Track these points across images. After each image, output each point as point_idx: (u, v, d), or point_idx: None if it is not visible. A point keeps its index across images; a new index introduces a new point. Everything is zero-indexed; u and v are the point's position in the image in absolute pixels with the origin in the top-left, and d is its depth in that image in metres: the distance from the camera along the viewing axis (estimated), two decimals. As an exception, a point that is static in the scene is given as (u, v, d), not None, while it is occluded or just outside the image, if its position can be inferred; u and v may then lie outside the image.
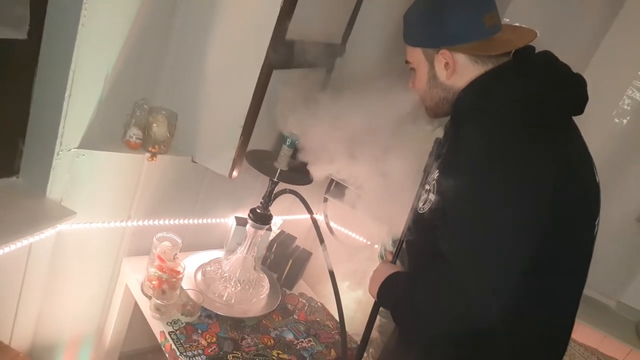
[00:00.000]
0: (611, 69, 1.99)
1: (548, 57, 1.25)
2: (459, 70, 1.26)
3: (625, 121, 2.07)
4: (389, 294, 1.32)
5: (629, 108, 2.04)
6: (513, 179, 1.09)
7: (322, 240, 1.88)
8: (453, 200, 1.16)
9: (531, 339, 1.24)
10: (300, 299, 2.15)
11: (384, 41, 2.14)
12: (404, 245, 1.38)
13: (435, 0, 1.27)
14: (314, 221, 1.87)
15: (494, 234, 1.10)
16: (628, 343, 2.13)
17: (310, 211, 1.86)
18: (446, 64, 1.27)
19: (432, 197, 1.23)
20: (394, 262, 1.42)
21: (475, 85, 1.25)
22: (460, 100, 1.27)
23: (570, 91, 1.22)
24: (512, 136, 1.13)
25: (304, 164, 1.68)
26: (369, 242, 2.52)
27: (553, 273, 1.20)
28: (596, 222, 1.27)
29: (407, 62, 1.37)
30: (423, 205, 1.27)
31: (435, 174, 1.24)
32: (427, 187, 1.27)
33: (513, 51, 1.26)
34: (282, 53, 1.66)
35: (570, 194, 1.15)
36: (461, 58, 1.25)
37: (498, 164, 1.10)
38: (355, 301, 2.53)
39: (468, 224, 1.13)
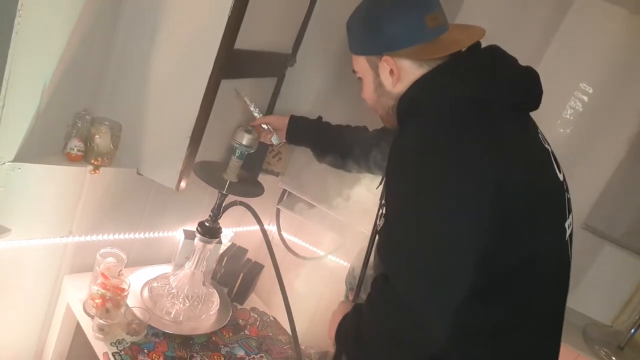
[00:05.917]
0: (555, 79, 2.03)
1: (494, 52, 1.18)
2: (404, 76, 1.20)
3: (568, 130, 2.12)
4: (342, 334, 1.21)
5: (571, 118, 2.10)
6: (447, 179, 1.00)
7: (272, 253, 1.82)
8: (388, 205, 1.10)
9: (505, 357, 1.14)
10: (252, 314, 2.11)
11: (335, 51, 2.13)
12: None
13: (373, 5, 1.21)
14: (265, 234, 1.83)
15: (429, 239, 1.00)
16: (576, 348, 2.16)
17: (261, 224, 1.82)
18: (391, 71, 1.20)
19: (383, 211, 1.16)
20: (354, 302, 1.30)
21: (413, 87, 1.18)
22: (399, 104, 1.21)
23: (518, 85, 1.15)
24: (447, 136, 1.04)
25: (255, 176, 1.64)
26: (322, 253, 2.50)
27: (512, 285, 1.09)
28: (567, 224, 1.17)
29: (354, 71, 1.32)
30: (379, 221, 1.19)
31: None
32: (383, 200, 1.19)
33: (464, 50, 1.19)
34: (231, 63, 1.62)
35: (523, 196, 1.05)
36: (405, 63, 1.19)
37: (432, 164, 1.01)
38: (309, 313, 2.50)
39: (400, 230, 1.04)
